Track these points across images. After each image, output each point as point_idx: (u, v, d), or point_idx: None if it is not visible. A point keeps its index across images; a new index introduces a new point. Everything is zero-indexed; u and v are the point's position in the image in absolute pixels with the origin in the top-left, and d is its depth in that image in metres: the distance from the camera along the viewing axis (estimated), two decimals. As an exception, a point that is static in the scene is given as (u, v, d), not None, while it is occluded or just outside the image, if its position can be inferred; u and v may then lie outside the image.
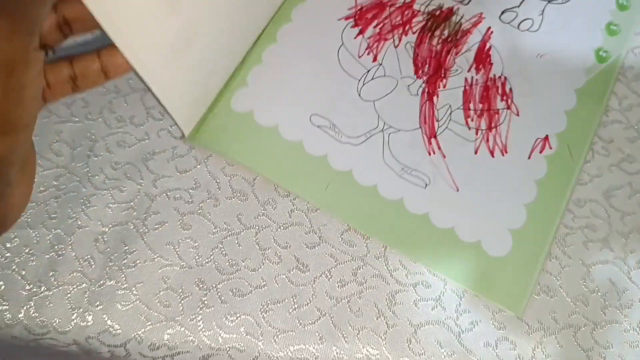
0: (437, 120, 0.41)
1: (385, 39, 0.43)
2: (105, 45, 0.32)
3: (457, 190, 0.39)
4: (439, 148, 0.40)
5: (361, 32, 0.43)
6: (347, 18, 0.43)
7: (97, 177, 0.40)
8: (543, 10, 0.45)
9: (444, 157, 0.40)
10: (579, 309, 0.37)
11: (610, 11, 0.46)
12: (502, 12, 0.45)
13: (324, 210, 0.38)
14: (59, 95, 0.33)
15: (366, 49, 0.42)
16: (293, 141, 0.40)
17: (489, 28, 0.44)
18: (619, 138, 0.41)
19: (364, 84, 0.41)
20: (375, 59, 0.42)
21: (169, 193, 0.40)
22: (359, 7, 0.44)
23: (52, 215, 0.39)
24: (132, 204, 0.39)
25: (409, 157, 0.40)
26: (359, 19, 0.43)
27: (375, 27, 0.43)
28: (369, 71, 0.42)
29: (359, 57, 0.42)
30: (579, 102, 0.42)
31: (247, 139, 0.39)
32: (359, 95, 0.41)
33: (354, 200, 0.38)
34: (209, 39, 0.38)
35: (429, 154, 0.40)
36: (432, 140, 0.40)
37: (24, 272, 0.37)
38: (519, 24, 0.45)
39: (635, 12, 0.46)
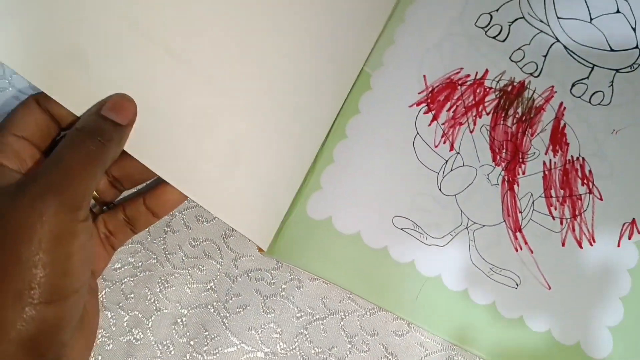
0: (521, 212, 0.39)
1: (460, 124, 0.41)
2: (149, 188, 0.35)
3: (549, 288, 0.38)
4: (526, 243, 0.38)
5: (435, 117, 0.41)
6: (418, 103, 0.41)
7: (174, 254, 0.38)
8: (612, 81, 0.43)
9: (532, 252, 0.38)
10: None
11: (682, 76, 0.44)
12: (573, 85, 0.43)
13: (416, 323, 0.37)
14: (122, 239, 0.35)
15: (442, 137, 0.40)
16: (378, 248, 0.37)
17: (562, 103, 0.42)
18: None
19: (443, 177, 0.39)
20: (452, 148, 0.40)
21: (250, 274, 0.38)
22: (430, 89, 0.41)
23: (129, 296, 0.37)
24: (212, 284, 0.38)
25: (496, 255, 0.38)
26: (432, 102, 0.41)
27: (448, 110, 0.41)
28: (447, 162, 0.40)
29: (436, 146, 0.40)
30: (660, 179, 0.41)
31: (329, 250, 0.37)
32: (440, 189, 0.39)
33: (446, 308, 0.37)
34: (260, 147, 0.37)
35: (516, 250, 0.38)
36: (518, 234, 0.39)
37: (100, 358, 0.36)
38: (590, 98, 0.43)
39: None
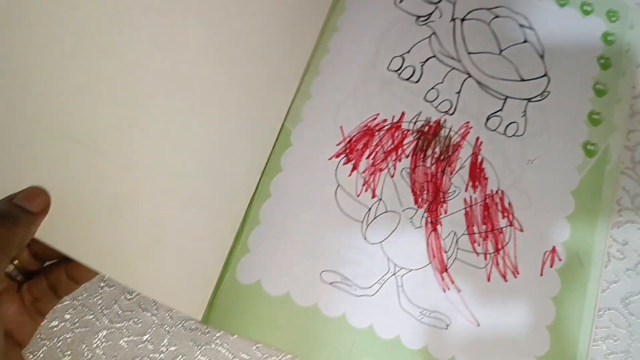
0: (445, 252, 0.40)
1: (380, 170, 0.42)
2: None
3: (478, 325, 0.39)
4: (453, 282, 0.40)
5: (354, 167, 0.41)
6: (337, 155, 0.42)
7: (110, 309, 0.39)
8: (525, 111, 0.45)
9: (459, 291, 0.39)
10: None
11: (589, 100, 0.46)
12: (488, 119, 0.44)
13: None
14: (48, 305, 0.35)
15: (363, 185, 0.41)
16: (308, 306, 0.38)
17: (478, 138, 0.44)
18: (634, 239, 0.42)
19: (367, 225, 0.40)
20: (374, 195, 0.41)
21: (184, 324, 0.39)
22: (348, 140, 0.42)
23: (66, 353, 0.38)
24: (147, 337, 0.39)
25: (425, 298, 0.39)
26: (350, 152, 0.42)
27: (368, 157, 0.42)
28: (370, 209, 0.40)
29: (358, 195, 0.41)
30: (577, 204, 0.43)
31: (261, 314, 0.38)
32: (365, 238, 0.40)
33: (379, 358, 0.37)
34: (183, 222, 0.37)
35: (444, 291, 0.39)
36: (444, 274, 0.40)
37: None
38: (505, 129, 0.44)
39: (614, 94, 0.46)
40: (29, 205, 0.32)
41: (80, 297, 0.39)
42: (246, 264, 0.39)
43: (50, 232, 0.33)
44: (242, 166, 0.40)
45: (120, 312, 0.39)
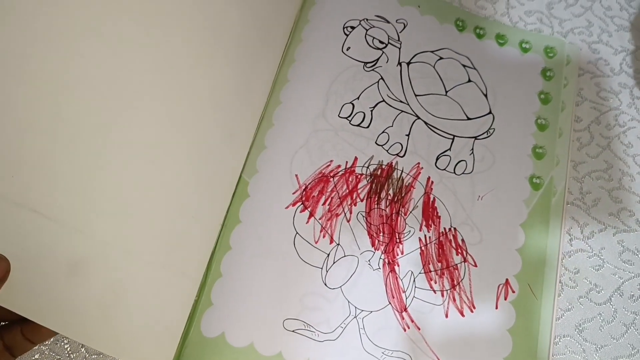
0: (404, 291, 0.42)
1: (337, 215, 0.43)
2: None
3: (439, 362, 0.40)
4: (412, 321, 0.41)
5: (311, 214, 0.43)
6: (294, 203, 0.43)
7: (77, 353, 0.39)
8: (472, 149, 0.47)
9: (419, 329, 0.41)
10: None
11: (532, 134, 0.48)
12: (437, 158, 0.46)
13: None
14: None
15: (320, 232, 0.42)
16: (272, 355, 0.39)
17: (429, 178, 0.46)
18: (584, 267, 0.44)
19: (327, 271, 0.41)
20: (332, 240, 0.42)
21: None
22: (303, 187, 0.43)
23: None
24: None
25: (386, 338, 0.40)
26: (307, 200, 0.43)
27: (324, 204, 0.43)
28: (328, 255, 0.42)
29: (316, 242, 0.42)
30: (527, 237, 0.44)
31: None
32: (325, 284, 0.41)
33: (345, 402, 0.38)
34: (143, 282, 0.38)
35: (404, 330, 0.41)
36: (404, 314, 0.41)
37: None
38: (455, 168, 0.46)
39: (555, 128, 0.48)
40: None
41: (47, 342, 0.39)
42: (210, 317, 0.40)
43: (7, 295, 0.33)
44: (201, 220, 0.41)
45: (87, 355, 0.39)
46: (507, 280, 0.43)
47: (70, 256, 0.35)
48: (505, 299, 0.42)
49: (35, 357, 0.39)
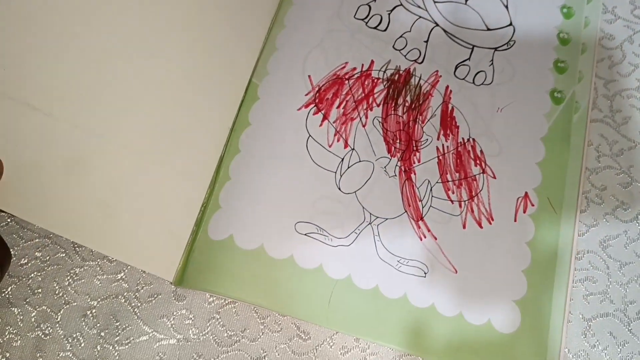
0: (420, 200, 0.39)
1: (352, 119, 0.40)
2: None
3: (456, 272, 0.38)
4: (429, 230, 0.39)
5: (325, 116, 0.40)
6: (307, 105, 0.40)
7: (83, 247, 0.37)
8: (492, 60, 0.45)
9: (435, 239, 0.39)
10: None
11: (554, 48, 0.46)
12: (456, 68, 0.44)
13: (331, 327, 0.36)
14: None
15: (335, 135, 0.40)
16: (283, 258, 0.37)
17: (447, 87, 0.43)
18: (612, 185, 0.42)
19: (341, 175, 0.39)
20: (346, 145, 0.40)
21: None
22: (317, 89, 0.40)
23: (37, 291, 0.36)
24: (122, 275, 0.37)
25: (402, 247, 0.38)
26: (320, 102, 0.40)
27: (338, 107, 0.40)
28: (342, 159, 0.39)
29: (330, 146, 0.39)
30: (547, 151, 0.42)
31: (234, 269, 0.36)
32: (339, 188, 0.39)
33: (358, 308, 0.36)
34: (149, 181, 0.36)
35: (421, 239, 0.39)
36: (420, 223, 0.39)
37: (8, 355, 0.34)
38: (474, 78, 0.44)
39: (578, 43, 0.46)
40: None
41: (51, 235, 0.37)
42: (218, 220, 0.37)
43: (2, 195, 0.31)
44: (209, 123, 0.38)
45: (93, 250, 0.37)
46: (526, 193, 0.41)
47: (68, 153, 0.33)
48: (524, 212, 0.40)
49: (39, 250, 0.36)
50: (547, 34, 0.46)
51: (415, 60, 0.43)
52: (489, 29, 0.45)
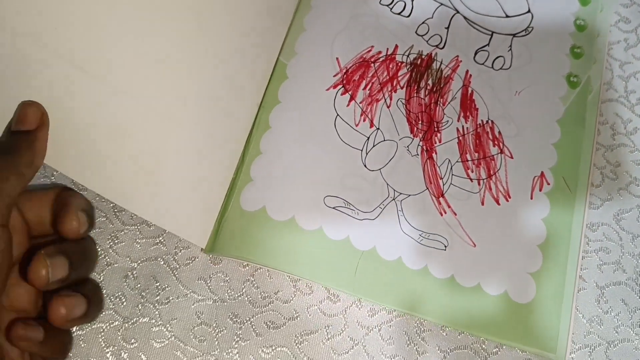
0: (441, 178, 0.42)
1: (377, 100, 0.43)
2: None
3: (475, 246, 0.40)
4: (449, 207, 0.41)
5: (352, 97, 0.42)
6: (335, 86, 0.42)
7: (123, 212, 0.39)
8: (510, 45, 0.47)
9: (455, 214, 0.41)
10: (594, 329, 0.40)
11: (570, 34, 0.48)
12: (476, 53, 0.46)
13: (357, 295, 0.39)
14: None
15: (361, 115, 0.42)
16: (314, 230, 0.39)
17: (467, 71, 0.45)
18: (626, 161, 0.44)
19: (367, 154, 0.41)
20: (372, 124, 0.42)
21: None
22: (344, 71, 0.43)
23: None
24: (160, 239, 0.39)
25: (424, 221, 0.40)
26: (347, 83, 0.42)
27: (364, 88, 0.43)
28: (368, 138, 0.42)
29: (357, 125, 0.42)
30: (562, 132, 0.44)
31: (266, 238, 0.38)
32: (365, 166, 0.41)
33: (382, 278, 0.39)
34: (184, 148, 0.38)
35: (441, 215, 0.41)
36: (441, 199, 0.41)
37: None
38: (493, 63, 0.46)
39: (593, 30, 0.48)
40: (26, 125, 0.32)
41: (94, 201, 0.39)
42: (250, 192, 0.39)
43: (53, 154, 0.33)
44: (241, 99, 0.40)
45: (133, 215, 0.39)
46: (542, 172, 0.43)
47: (113, 118, 0.35)
48: (540, 190, 0.42)
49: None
50: (564, 21, 0.48)
51: (436, 46, 0.45)
52: (507, 16, 0.47)
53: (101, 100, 0.36)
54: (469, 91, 0.45)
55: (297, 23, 0.44)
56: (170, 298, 0.38)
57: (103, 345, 0.37)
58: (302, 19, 0.44)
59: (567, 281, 0.40)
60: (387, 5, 0.45)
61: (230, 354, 0.37)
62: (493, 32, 0.47)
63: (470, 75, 0.45)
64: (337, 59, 0.43)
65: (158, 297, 0.38)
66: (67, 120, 0.35)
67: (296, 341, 0.38)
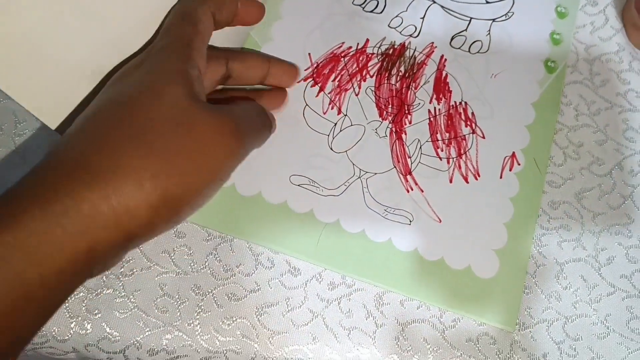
0: (409, 157, 0.43)
1: (346, 90, 0.45)
2: None
3: (440, 222, 0.41)
4: (416, 184, 0.43)
5: (321, 89, 0.45)
6: (305, 79, 0.45)
7: None
8: (489, 30, 0.48)
9: (422, 191, 0.42)
10: (552, 304, 0.40)
11: (551, 21, 0.48)
12: (452, 38, 0.47)
13: (318, 264, 0.41)
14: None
15: (329, 104, 0.45)
16: (278, 203, 0.42)
17: (442, 56, 0.47)
18: (589, 142, 0.44)
19: (333, 138, 0.44)
20: (339, 112, 0.45)
21: None
22: (315, 65, 0.46)
23: None
24: None
25: (389, 198, 0.42)
26: (317, 76, 0.45)
27: (333, 80, 0.45)
28: (335, 124, 0.44)
29: (324, 113, 0.44)
30: (537, 115, 0.45)
31: (234, 211, 0.41)
32: (331, 148, 0.43)
33: (345, 249, 0.41)
34: None
35: (408, 192, 0.42)
36: (408, 177, 0.43)
37: None
38: (469, 47, 0.47)
39: (574, 18, 0.48)
40: None
41: None
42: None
43: None
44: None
45: None
46: (513, 153, 0.43)
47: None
48: (510, 169, 0.43)
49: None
50: (545, 7, 0.49)
51: (410, 35, 0.48)
52: (487, 2, 0.49)
53: None
54: (444, 74, 0.47)
55: (272, 8, 0.47)
56: (135, 270, 0.41)
57: (67, 316, 0.40)
58: (278, 6, 0.48)
59: (526, 259, 0.41)
60: (360, 5, 0.48)
61: (192, 325, 0.40)
62: (471, 18, 0.48)
63: (445, 60, 0.47)
64: (309, 54, 0.47)
65: (122, 269, 0.41)
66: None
67: (257, 313, 0.40)
